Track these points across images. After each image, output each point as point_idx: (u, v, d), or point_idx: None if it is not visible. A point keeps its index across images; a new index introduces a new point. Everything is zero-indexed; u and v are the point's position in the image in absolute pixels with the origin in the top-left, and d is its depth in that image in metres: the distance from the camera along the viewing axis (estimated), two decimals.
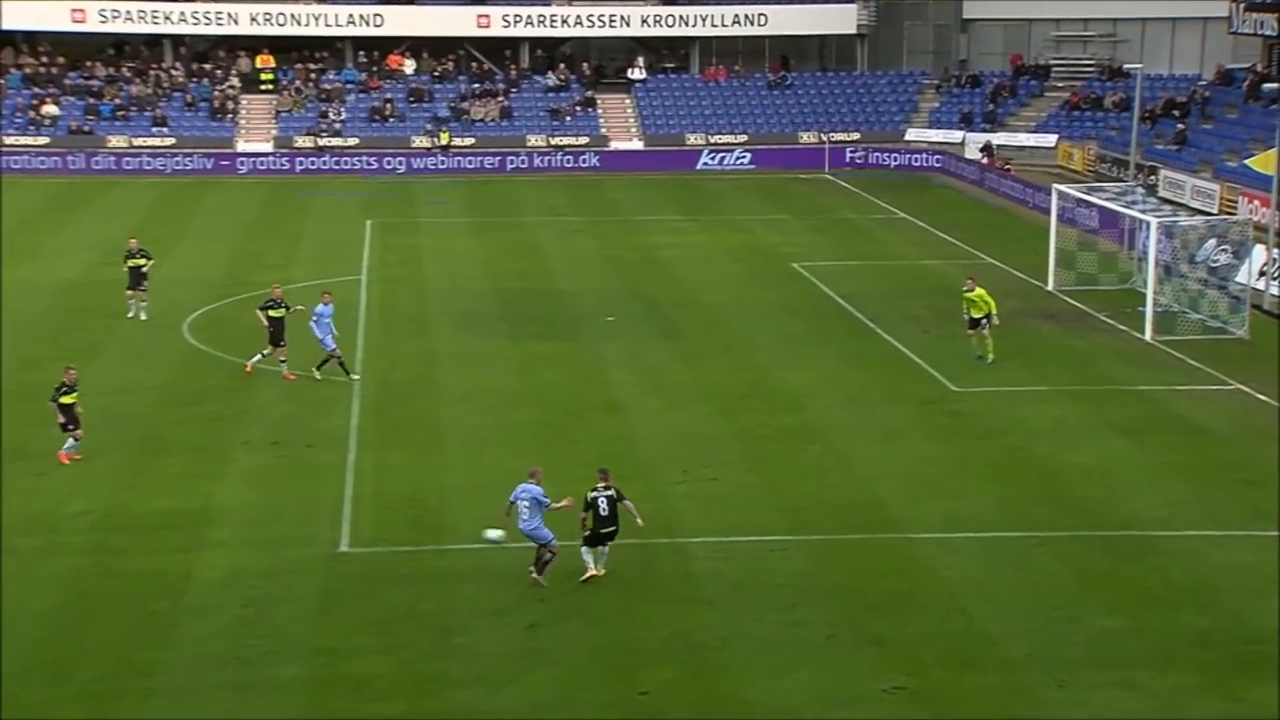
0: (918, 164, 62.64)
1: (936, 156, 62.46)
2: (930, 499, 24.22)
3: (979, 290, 32.43)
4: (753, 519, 23.34)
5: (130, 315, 35.46)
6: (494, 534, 20.93)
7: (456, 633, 19.44)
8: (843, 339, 34.78)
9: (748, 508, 23.80)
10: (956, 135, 64.05)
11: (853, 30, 68.64)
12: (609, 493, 20.95)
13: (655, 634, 19.52)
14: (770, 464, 25.93)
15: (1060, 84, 66.02)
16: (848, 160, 62.73)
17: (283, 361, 30.62)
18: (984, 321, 32.14)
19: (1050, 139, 62.04)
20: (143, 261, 35.63)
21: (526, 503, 20.81)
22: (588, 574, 20.96)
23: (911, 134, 65.41)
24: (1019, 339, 34.71)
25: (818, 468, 25.80)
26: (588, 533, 20.90)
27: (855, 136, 64.88)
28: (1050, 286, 39.69)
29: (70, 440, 25.64)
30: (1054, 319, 36.77)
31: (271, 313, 30.66)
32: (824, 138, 63.80)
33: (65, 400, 25.71)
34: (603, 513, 20.85)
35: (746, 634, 19.51)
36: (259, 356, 30.66)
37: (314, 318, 30.63)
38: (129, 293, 35.59)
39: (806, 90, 67.88)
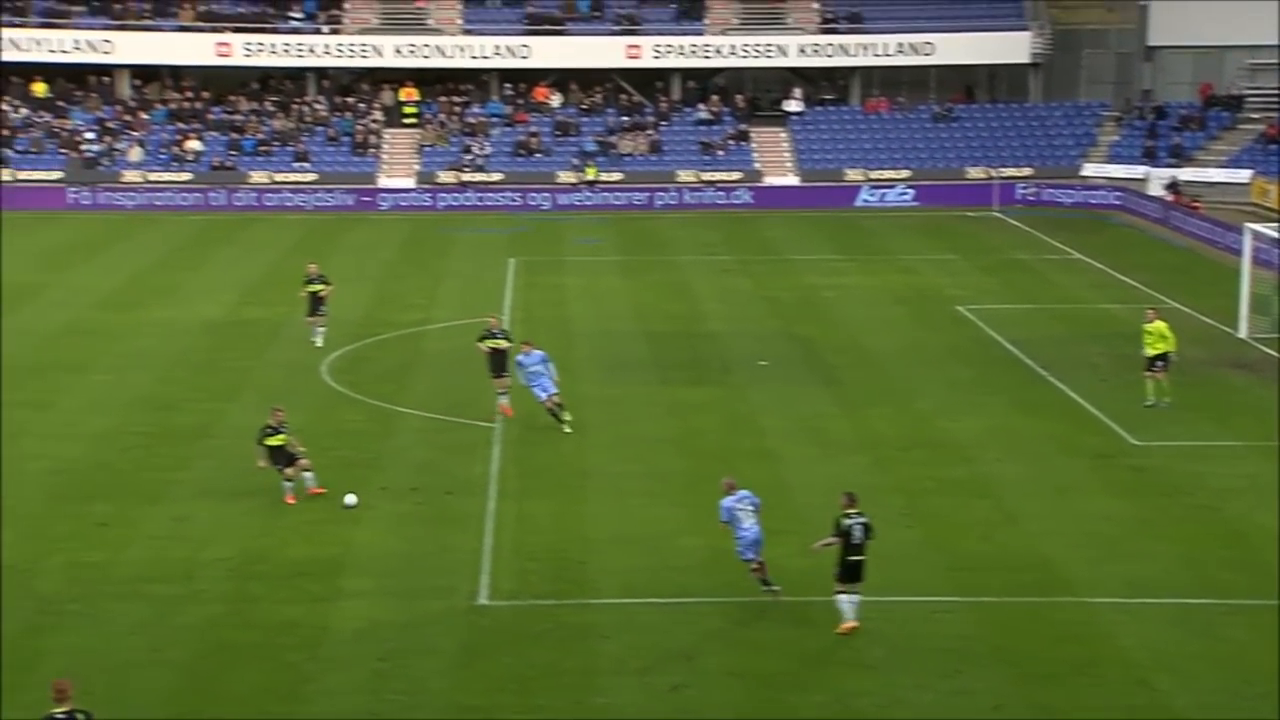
0: (1095, 201, 61.58)
1: (1116, 193, 61.34)
2: (1108, 560, 23.69)
3: (1159, 323, 32.08)
4: (914, 577, 23.07)
5: (315, 341, 37.18)
6: (351, 499, 23.98)
7: (598, 693, 19.51)
8: (1012, 387, 34.27)
9: (909, 565, 23.53)
10: (1139, 171, 62.81)
11: (1026, 59, 67.89)
12: (863, 518, 20.86)
13: (810, 699, 19.37)
14: (933, 519, 25.62)
15: (1255, 115, 64.36)
16: (1018, 197, 61.96)
17: (502, 394, 30.96)
18: (1161, 362, 31.74)
19: (1244, 174, 60.46)
20: (321, 287, 37.48)
21: (750, 509, 21.48)
22: (846, 625, 20.85)
23: (1089, 169, 64.33)
24: (1207, 389, 33.84)
25: (985, 524, 25.42)
26: (839, 568, 20.75)
27: (1027, 172, 64.06)
28: (1242, 334, 38.63)
29: (304, 475, 26.18)
30: (1246, 368, 35.77)
31: (489, 343, 31.18)
32: (993, 173, 63.10)
33: (272, 442, 26.23)
34: (855, 541, 20.75)
35: (908, 701, 19.26)
36: (503, 396, 30.86)
37: (518, 368, 30.83)
38: (309, 320, 37.51)
39: (975, 123, 67.27)
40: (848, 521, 20.83)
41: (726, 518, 21.94)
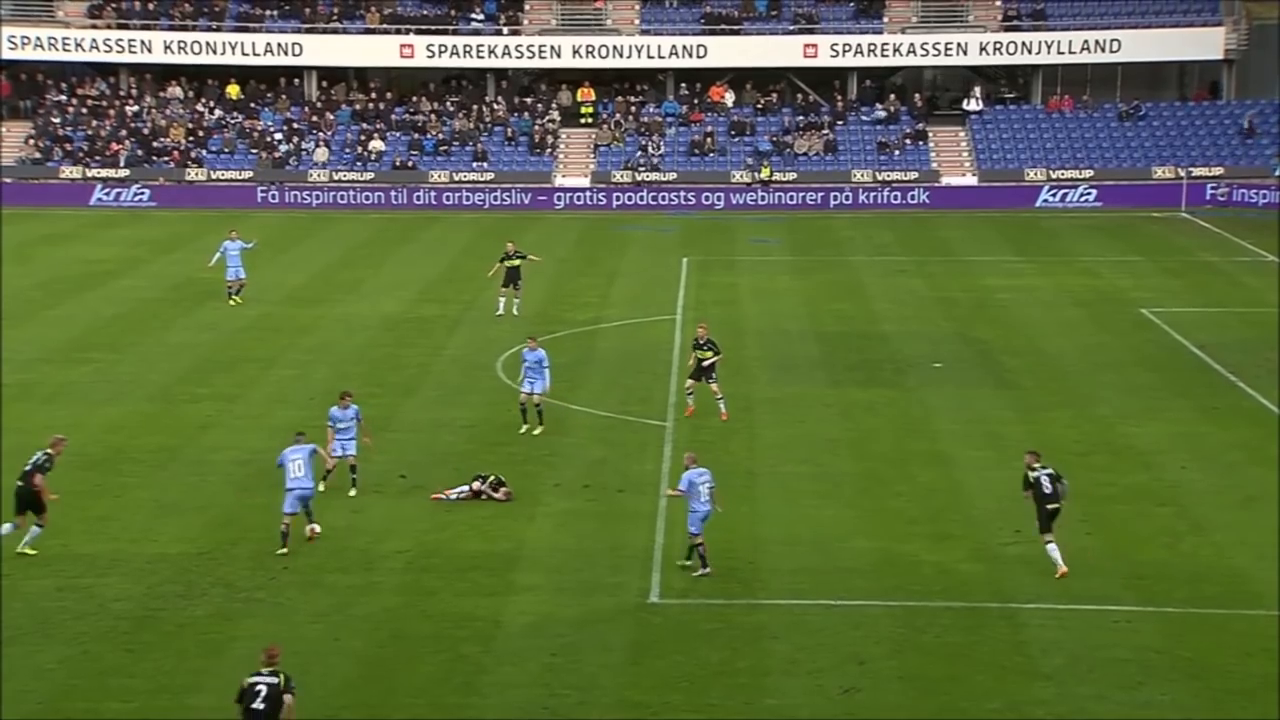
0: None
1: None
2: None
3: None
4: (1093, 586, 22.54)
5: (499, 313, 40.16)
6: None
7: (769, 694, 19.47)
8: (1199, 393, 33.30)
9: (1088, 573, 23.00)
10: None
11: (1219, 55, 65.75)
12: (1048, 470, 22.87)
13: (985, 706, 19.07)
14: (1114, 526, 25.03)
15: None
16: (1208, 198, 60.14)
17: (720, 399, 31.00)
18: None
19: None
20: (518, 261, 40.50)
21: (706, 486, 22.98)
22: (1061, 570, 22.60)
23: None
24: None
25: (1169, 533, 24.74)
26: (1038, 520, 22.77)
27: (1218, 172, 62.08)
28: None
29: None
30: None
31: (696, 354, 31.40)
32: (1182, 173, 61.30)
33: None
34: (1046, 490, 22.70)
35: (1087, 712, 18.84)
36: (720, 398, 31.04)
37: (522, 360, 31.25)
38: (503, 290, 40.43)
39: (1163, 122, 65.42)
40: (1033, 474, 22.64)
41: (685, 488, 23.23)
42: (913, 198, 62.00)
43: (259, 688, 16.56)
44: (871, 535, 24.70)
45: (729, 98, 68.18)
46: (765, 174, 63.20)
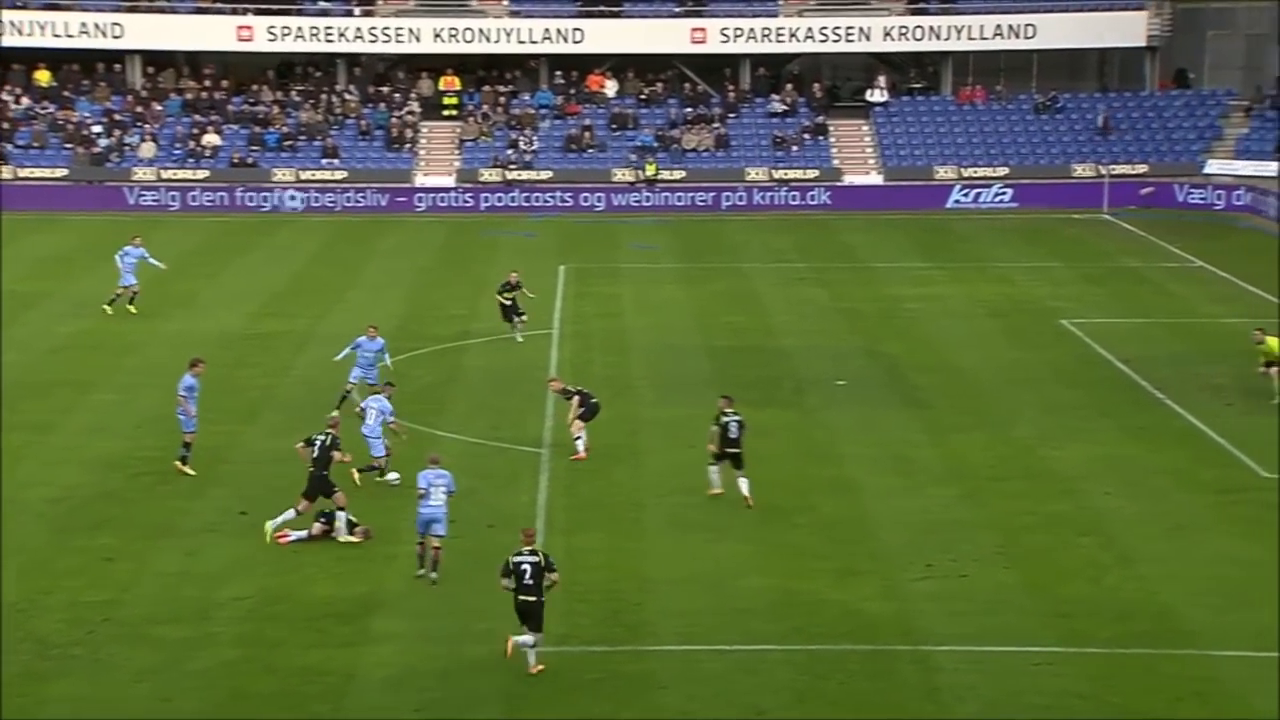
0: (1220, 203, 60.98)
1: (1244, 193, 60.72)
2: (1235, 608, 23.43)
3: (1269, 340, 33.41)
4: (1011, 625, 22.90)
5: (516, 338, 40.12)
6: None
7: None
8: (1123, 411, 33.99)
9: (1005, 611, 23.36)
10: (1270, 168, 62.13)
11: (1141, 42, 67.40)
12: (738, 417, 27.21)
13: None
14: (1033, 559, 25.44)
15: None
16: (1132, 198, 61.47)
17: (577, 438, 30.80)
18: (1278, 366, 33.41)
19: None
20: (514, 294, 40.32)
21: (444, 488, 24.55)
22: (714, 490, 27.78)
23: (1213, 166, 63.74)
24: None
25: (1093, 566, 25.21)
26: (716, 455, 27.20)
27: (1142, 169, 63.56)
28: None
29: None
30: None
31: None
32: (1103, 171, 62.70)
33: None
34: (731, 435, 27.45)
35: None
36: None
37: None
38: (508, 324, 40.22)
39: (1082, 114, 66.86)
40: (724, 419, 27.09)
41: (423, 486, 24.61)
42: (812, 198, 62.64)
43: (524, 566, 21.54)
44: (769, 572, 24.86)
45: (609, 87, 68.42)
46: (650, 172, 63.46)
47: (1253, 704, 20.55)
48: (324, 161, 64.43)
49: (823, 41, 67.30)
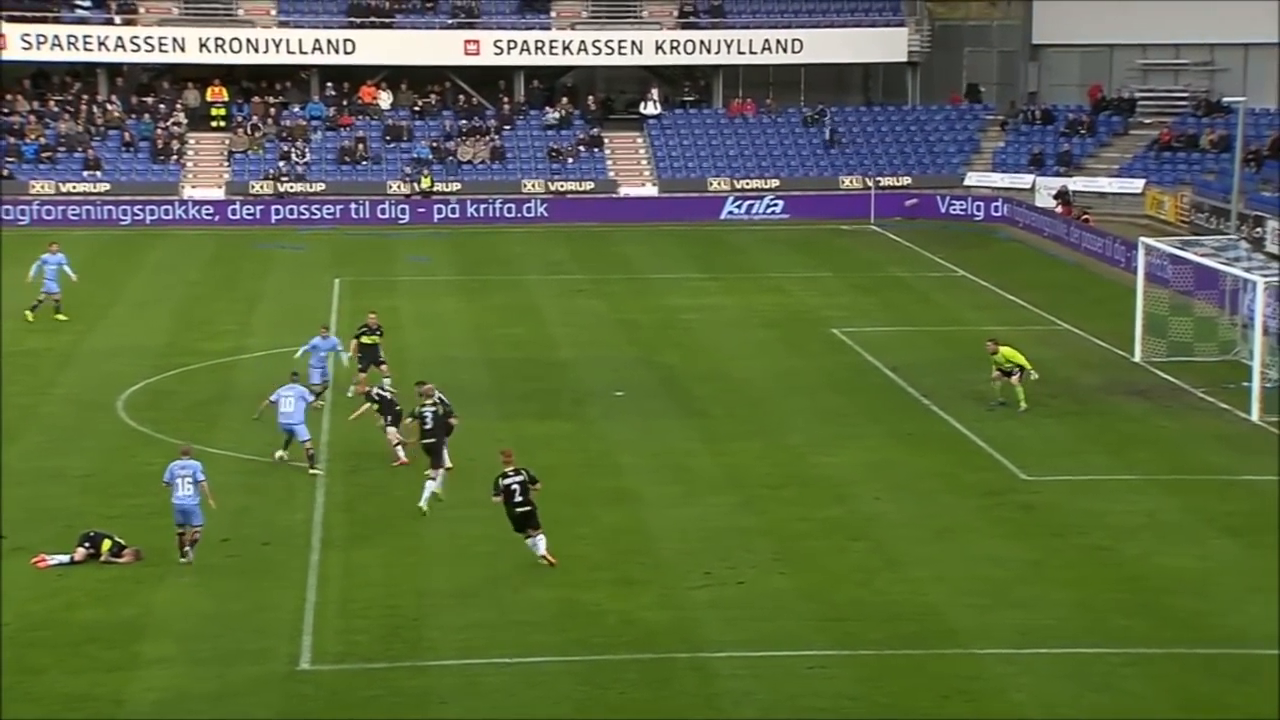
0: (980, 214, 62.90)
1: (1002, 204, 62.75)
2: (997, 607, 24.12)
3: (1003, 350, 34.98)
4: (787, 630, 23.26)
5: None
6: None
7: None
8: (892, 418, 34.80)
9: (781, 616, 23.73)
10: (1025, 180, 64.40)
11: (903, 58, 69.26)
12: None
13: None
14: (807, 565, 25.88)
15: (1148, 120, 66.47)
16: (897, 209, 63.05)
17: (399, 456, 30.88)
18: (1016, 373, 34.78)
19: (1137, 184, 62.34)
20: (376, 339, 35.50)
21: (190, 479, 25.38)
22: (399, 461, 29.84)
23: (972, 178, 65.79)
24: (1101, 419, 34.72)
25: (863, 569, 25.74)
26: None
27: (906, 181, 65.27)
28: (1137, 357, 39.73)
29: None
30: (1142, 395, 36.78)
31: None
32: (870, 183, 64.20)
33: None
34: (426, 426, 28.55)
35: None
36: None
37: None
38: (358, 375, 34.56)
39: (849, 128, 68.40)
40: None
41: (168, 478, 25.61)
42: (590, 210, 62.93)
43: (513, 486, 24.94)
44: (550, 584, 24.88)
45: (383, 99, 67.86)
46: (426, 184, 63.11)
47: (1014, 700, 21.19)
48: (85, 174, 62.63)
49: (596, 54, 67.69)
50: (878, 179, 64.38)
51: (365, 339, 35.62)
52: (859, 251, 56.84)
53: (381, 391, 31.57)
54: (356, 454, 31.55)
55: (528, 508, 25.19)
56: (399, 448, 30.79)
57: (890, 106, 70.02)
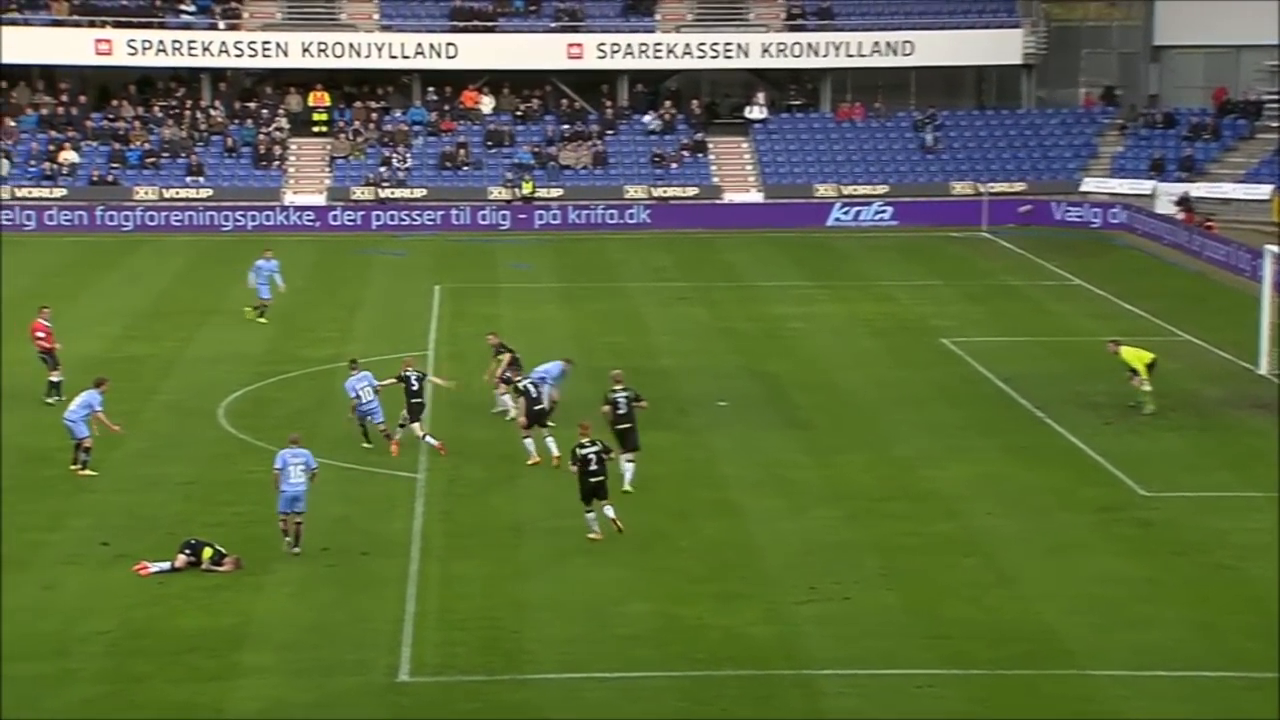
0: (1097, 220, 62.25)
1: (1120, 211, 62.02)
2: (1114, 628, 23.85)
3: (1123, 351, 35.29)
4: (894, 648, 23.14)
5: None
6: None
7: None
8: (1004, 431, 34.54)
9: (888, 634, 23.61)
10: (1145, 185, 63.61)
11: (1018, 60, 68.64)
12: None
13: None
14: (915, 581, 25.74)
15: (1275, 124, 65.34)
16: (1010, 216, 62.51)
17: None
18: (1136, 376, 35.21)
19: (1263, 190, 61.35)
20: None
21: (303, 466, 26.37)
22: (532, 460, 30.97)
23: (1089, 184, 65.09)
24: (1224, 434, 34.22)
25: (974, 586, 25.55)
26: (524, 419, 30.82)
27: (1020, 187, 64.72)
28: (1263, 370, 39.11)
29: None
30: (1267, 409, 36.19)
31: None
32: (982, 189, 63.72)
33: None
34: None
35: None
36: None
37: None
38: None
39: (960, 132, 67.92)
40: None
41: (280, 465, 26.56)
42: (693, 216, 62.96)
43: (589, 456, 26.86)
44: (651, 597, 24.91)
45: (485, 104, 68.35)
46: (527, 190, 63.48)
47: None
48: (188, 179, 63.66)
49: (700, 58, 67.73)
50: (990, 185, 63.87)
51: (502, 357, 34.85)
52: (970, 259, 56.45)
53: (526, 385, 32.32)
54: (455, 460, 31.78)
55: (601, 478, 26.98)
56: (428, 438, 32.33)
57: (1004, 110, 69.44)
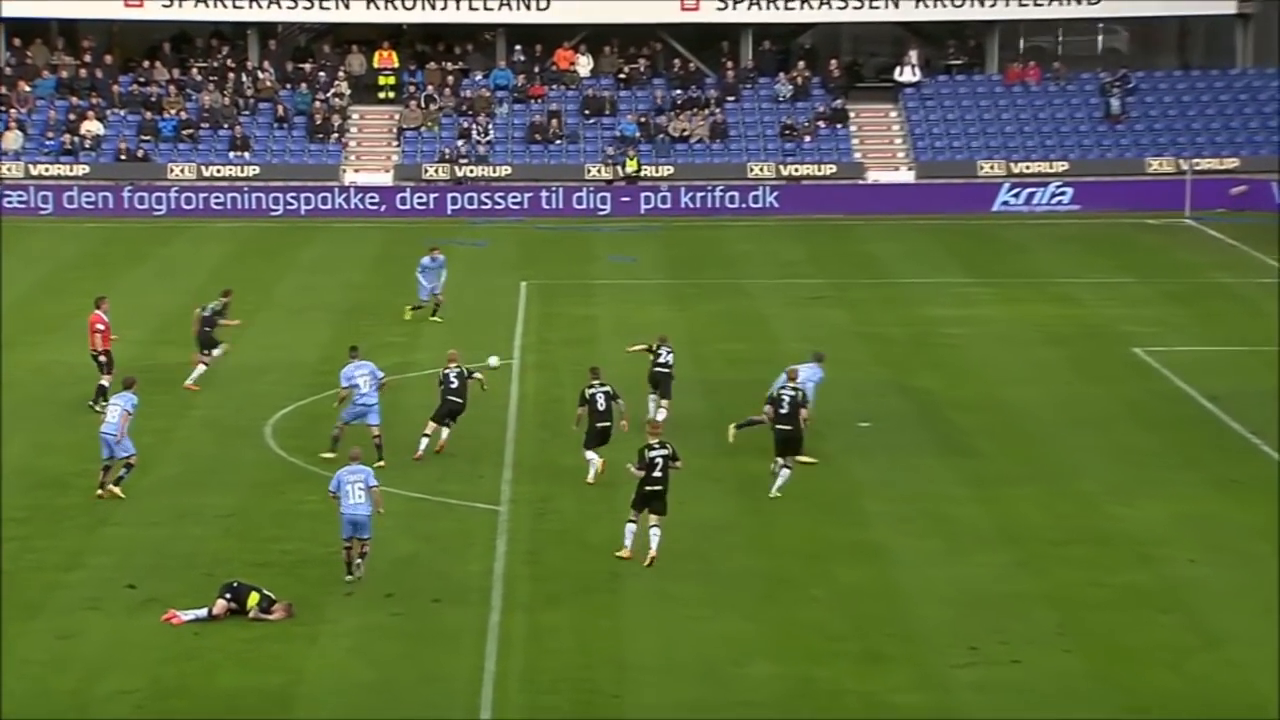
0: None
1: None
2: None
3: None
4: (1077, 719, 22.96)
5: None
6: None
7: None
8: (1210, 460, 34.18)
9: (1068, 704, 23.40)
10: None
11: (1231, 10, 67.85)
12: (605, 389, 32.14)
13: None
14: (1101, 641, 25.52)
15: None
16: (1220, 198, 61.83)
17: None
18: None
19: None
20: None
21: (362, 485, 27.19)
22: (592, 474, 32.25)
23: None
24: None
25: (1173, 649, 25.29)
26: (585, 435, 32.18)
27: (1232, 164, 63.99)
28: None
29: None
30: None
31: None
32: (1185, 166, 63.07)
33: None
34: (600, 408, 31.87)
35: None
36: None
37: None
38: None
39: (1159, 97, 67.27)
40: (590, 390, 31.55)
41: (335, 488, 27.47)
42: (829, 199, 62.87)
43: (657, 459, 28.40)
44: (778, 657, 24.85)
45: (582, 65, 68.63)
46: (631, 168, 63.65)
47: None
48: (232, 155, 64.46)
49: (841, 9, 67.51)
50: (1195, 161, 63.19)
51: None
52: (1170, 251, 55.90)
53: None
54: (544, 492, 31.86)
55: (660, 487, 28.31)
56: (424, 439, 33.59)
57: (1213, 71, 68.66)
